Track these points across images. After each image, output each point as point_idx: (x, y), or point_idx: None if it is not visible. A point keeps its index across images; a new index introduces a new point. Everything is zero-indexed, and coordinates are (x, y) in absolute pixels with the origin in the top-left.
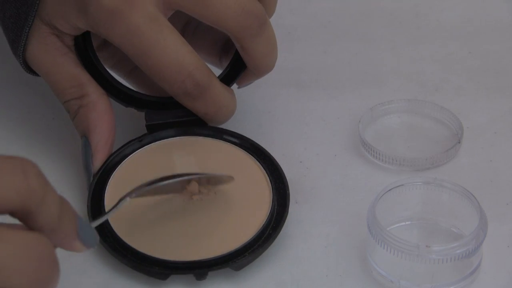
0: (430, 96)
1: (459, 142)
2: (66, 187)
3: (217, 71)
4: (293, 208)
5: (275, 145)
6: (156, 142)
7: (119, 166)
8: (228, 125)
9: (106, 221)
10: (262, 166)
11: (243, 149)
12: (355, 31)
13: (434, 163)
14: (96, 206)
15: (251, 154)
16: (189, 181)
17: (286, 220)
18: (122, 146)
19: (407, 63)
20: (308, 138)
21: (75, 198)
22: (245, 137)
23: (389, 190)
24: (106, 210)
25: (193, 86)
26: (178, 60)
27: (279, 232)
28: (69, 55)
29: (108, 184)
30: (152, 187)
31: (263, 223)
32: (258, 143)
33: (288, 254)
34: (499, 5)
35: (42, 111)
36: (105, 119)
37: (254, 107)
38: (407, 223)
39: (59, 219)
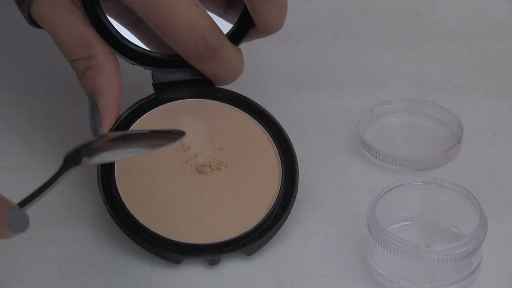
0: (430, 96)
1: (459, 142)
2: (66, 187)
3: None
4: (293, 208)
5: None
6: (169, 104)
7: (128, 129)
8: None
9: (119, 198)
10: (271, 136)
11: (251, 115)
12: (355, 31)
13: (434, 163)
14: (106, 170)
15: (259, 122)
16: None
17: (286, 220)
18: (130, 107)
19: (407, 63)
20: (308, 138)
21: (76, 198)
22: (254, 102)
23: (389, 190)
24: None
25: (205, 49)
26: (191, 23)
27: (289, 212)
28: (76, 13)
29: None
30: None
31: (273, 201)
32: None
33: (288, 254)
34: (499, 5)
35: (42, 111)
36: (113, 81)
37: None
38: (407, 223)
39: None
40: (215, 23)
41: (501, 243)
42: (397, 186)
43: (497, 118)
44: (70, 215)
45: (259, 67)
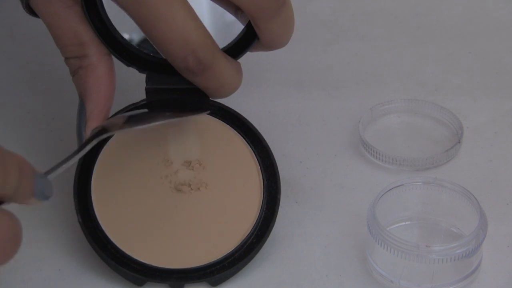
0: (430, 96)
1: (459, 142)
2: (66, 187)
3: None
4: (293, 208)
5: (275, 145)
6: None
7: (111, 138)
8: None
9: (92, 211)
10: (258, 160)
11: (241, 135)
12: (355, 31)
13: (434, 163)
14: (84, 176)
15: (248, 143)
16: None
17: (286, 221)
18: (118, 112)
19: (407, 63)
20: (308, 138)
21: None
22: (247, 121)
23: (389, 190)
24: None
25: (195, 63)
26: (183, 36)
27: (263, 244)
28: (73, 9)
29: (99, 154)
30: (123, 131)
31: (248, 231)
32: None
33: (288, 254)
34: (499, 5)
35: (42, 111)
36: (103, 85)
37: (254, 107)
38: (407, 223)
39: (17, 188)
40: (210, 37)
41: (501, 243)
42: (397, 186)
43: (497, 118)
44: (71, 216)
45: (259, 67)
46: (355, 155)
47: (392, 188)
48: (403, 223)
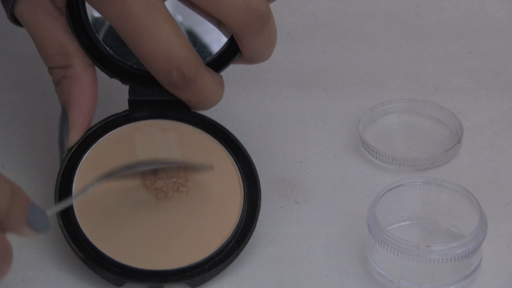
0: (430, 96)
1: (459, 142)
2: None
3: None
4: (293, 208)
5: (275, 145)
6: (136, 122)
7: (93, 145)
8: (228, 124)
9: (72, 213)
10: (239, 169)
11: (222, 144)
12: (355, 31)
13: (434, 163)
14: (65, 184)
15: (229, 152)
16: (155, 178)
17: (286, 221)
18: (101, 121)
19: (407, 63)
20: (308, 138)
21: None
22: (228, 132)
23: (389, 190)
24: (73, 192)
25: (178, 78)
26: (168, 51)
27: (243, 248)
28: (58, 20)
29: (80, 162)
30: (119, 174)
31: (229, 236)
32: (258, 143)
33: (288, 254)
34: (499, 5)
35: (42, 111)
36: (86, 95)
37: (254, 107)
38: (407, 223)
39: (8, 211)
40: (194, 52)
41: (501, 243)
42: (397, 186)
43: (497, 118)
44: None
45: (259, 67)
46: (355, 155)
47: (392, 188)
48: (403, 223)
